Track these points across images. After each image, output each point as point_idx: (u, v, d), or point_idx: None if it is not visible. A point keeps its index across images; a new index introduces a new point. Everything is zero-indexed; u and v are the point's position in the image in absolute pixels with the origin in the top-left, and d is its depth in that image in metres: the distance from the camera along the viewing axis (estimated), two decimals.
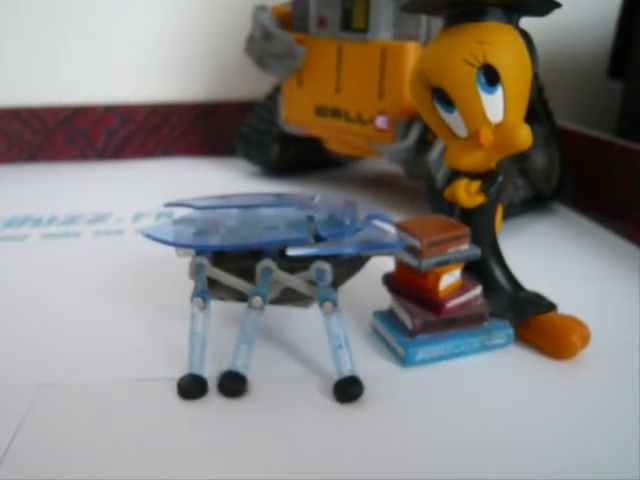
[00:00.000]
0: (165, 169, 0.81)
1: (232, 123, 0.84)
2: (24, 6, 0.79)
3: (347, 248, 0.33)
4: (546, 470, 0.28)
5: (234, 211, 0.38)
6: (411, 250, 0.35)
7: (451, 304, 0.36)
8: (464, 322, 0.37)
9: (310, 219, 0.35)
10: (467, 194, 0.37)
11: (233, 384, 0.33)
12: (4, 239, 0.55)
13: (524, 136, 0.34)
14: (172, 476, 0.28)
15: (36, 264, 0.50)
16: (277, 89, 0.72)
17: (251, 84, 0.84)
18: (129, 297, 0.44)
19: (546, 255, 0.54)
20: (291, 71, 0.65)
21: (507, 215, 0.57)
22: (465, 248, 0.36)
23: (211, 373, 0.34)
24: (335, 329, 0.33)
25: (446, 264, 0.36)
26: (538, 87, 0.62)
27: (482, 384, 0.35)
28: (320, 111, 0.64)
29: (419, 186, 0.60)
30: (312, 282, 0.34)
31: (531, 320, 0.38)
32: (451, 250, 0.36)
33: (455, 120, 0.36)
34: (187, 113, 0.86)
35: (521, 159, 0.59)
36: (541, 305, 0.39)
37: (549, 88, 0.67)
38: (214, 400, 0.33)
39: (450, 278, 0.37)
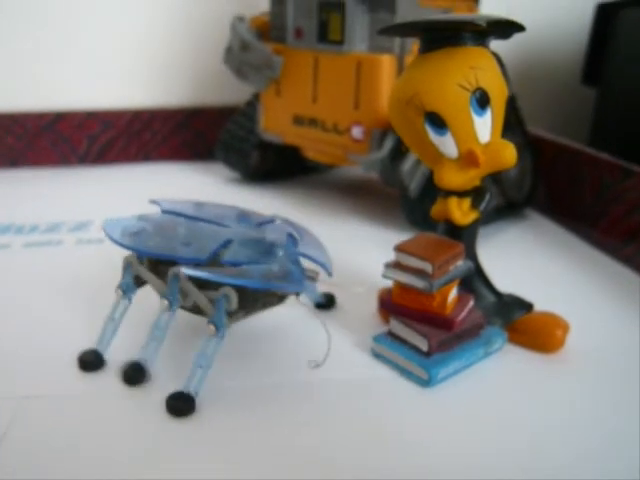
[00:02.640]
0: (147, 174, 0.82)
1: (213, 128, 0.85)
2: (5, 12, 0.79)
3: (246, 281, 0.33)
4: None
5: (185, 220, 0.40)
6: (417, 273, 0.37)
7: (459, 319, 0.38)
8: (468, 334, 0.39)
9: (228, 242, 0.36)
10: (460, 212, 0.39)
11: (134, 373, 0.36)
12: None
13: (511, 154, 0.36)
14: None
15: (18, 273, 0.51)
16: (256, 96, 0.73)
17: (232, 90, 0.85)
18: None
19: (515, 261, 0.56)
20: (269, 81, 0.66)
21: (482, 222, 0.59)
22: (461, 264, 0.38)
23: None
24: (208, 350, 0.34)
25: (450, 282, 0.38)
26: (511, 96, 0.64)
27: (495, 388, 0.37)
28: (298, 120, 0.65)
29: (395, 192, 0.62)
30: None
31: (516, 321, 0.41)
32: (452, 268, 0.38)
33: (446, 142, 0.37)
34: (169, 118, 0.87)
35: None
36: (523, 306, 0.43)
37: (523, 94, 0.69)
38: (202, 418, 0.34)
39: (452, 294, 0.38)
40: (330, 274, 0.38)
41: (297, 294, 0.37)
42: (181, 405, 0.34)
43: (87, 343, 0.40)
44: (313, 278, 0.37)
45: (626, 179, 0.57)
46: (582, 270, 0.54)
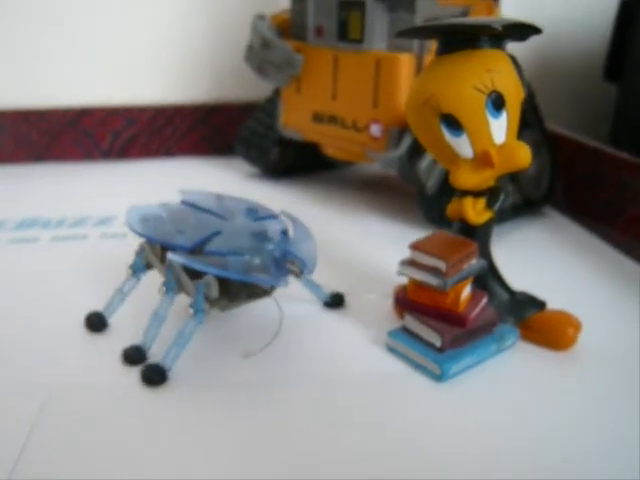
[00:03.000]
0: (168, 169, 0.83)
1: (233, 124, 0.86)
2: (31, 9, 0.81)
3: (225, 271, 0.35)
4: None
5: (195, 212, 0.43)
6: (432, 270, 0.38)
7: (471, 316, 0.39)
8: (481, 331, 0.40)
9: (216, 233, 0.38)
10: (475, 212, 0.40)
11: (133, 355, 0.39)
12: (16, 241, 0.58)
13: (525, 155, 0.37)
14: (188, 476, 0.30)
15: (47, 266, 0.53)
16: (277, 92, 0.74)
17: (252, 86, 0.86)
18: (135, 298, 0.46)
19: (532, 259, 0.56)
20: (290, 78, 0.67)
21: (498, 220, 0.59)
22: (475, 262, 0.39)
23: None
24: (186, 330, 0.37)
25: (464, 280, 0.38)
26: (529, 94, 0.64)
27: (506, 384, 0.38)
28: (317, 117, 0.66)
29: (413, 189, 0.63)
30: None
31: (528, 319, 0.42)
32: (466, 266, 0.39)
33: (462, 143, 0.38)
34: (190, 115, 0.88)
35: None
36: (535, 304, 0.43)
37: (544, 90, 0.69)
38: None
39: (465, 292, 0.39)
40: (310, 272, 0.39)
41: (272, 288, 0.40)
42: (154, 375, 0.37)
43: (114, 332, 0.42)
44: (296, 274, 0.39)
45: None
46: (597, 269, 0.54)
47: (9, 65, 0.83)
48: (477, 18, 0.47)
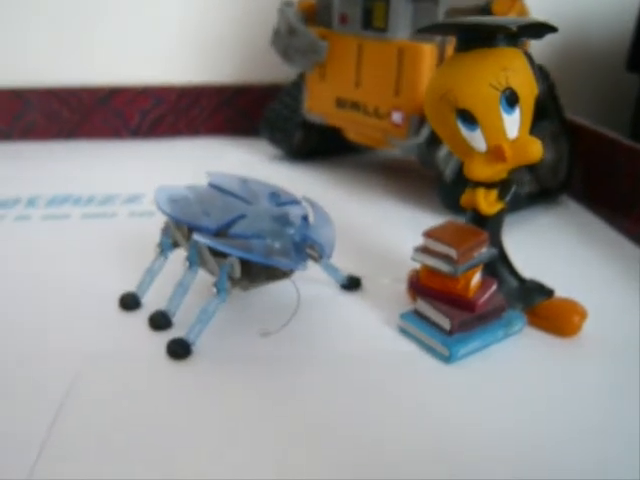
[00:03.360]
0: (194, 149, 0.86)
1: (258, 106, 0.88)
2: None
3: (247, 253, 0.37)
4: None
5: (221, 195, 0.45)
6: (443, 257, 0.40)
7: (480, 302, 0.41)
8: (489, 316, 0.41)
9: (240, 217, 0.41)
10: (487, 202, 0.41)
11: (159, 320, 0.42)
12: (48, 218, 0.61)
13: (537, 150, 0.39)
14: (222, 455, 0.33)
15: (78, 242, 0.56)
16: (301, 76, 0.75)
17: (277, 68, 0.87)
18: (166, 277, 0.47)
19: (546, 247, 0.58)
20: (314, 64, 0.69)
21: (513, 209, 0.61)
22: (485, 250, 0.41)
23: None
24: (210, 308, 0.40)
25: (474, 267, 0.40)
26: (549, 85, 0.65)
27: (512, 367, 0.40)
28: (340, 103, 0.68)
29: (432, 174, 0.64)
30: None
31: (536, 306, 0.44)
32: (476, 254, 0.40)
33: (476, 137, 0.39)
34: (215, 95, 0.90)
35: None
36: (544, 292, 0.45)
37: (566, 80, 0.70)
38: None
39: (475, 279, 0.41)
40: (328, 257, 0.41)
41: (291, 271, 0.42)
42: (178, 349, 0.39)
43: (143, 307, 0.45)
44: (315, 258, 0.42)
45: None
46: (609, 259, 0.56)
47: (41, 44, 0.85)
48: (494, 18, 0.48)
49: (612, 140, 0.66)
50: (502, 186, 0.41)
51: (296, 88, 0.76)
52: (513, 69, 0.38)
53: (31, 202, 0.65)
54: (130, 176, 0.73)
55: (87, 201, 0.65)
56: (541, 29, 0.39)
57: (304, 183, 0.72)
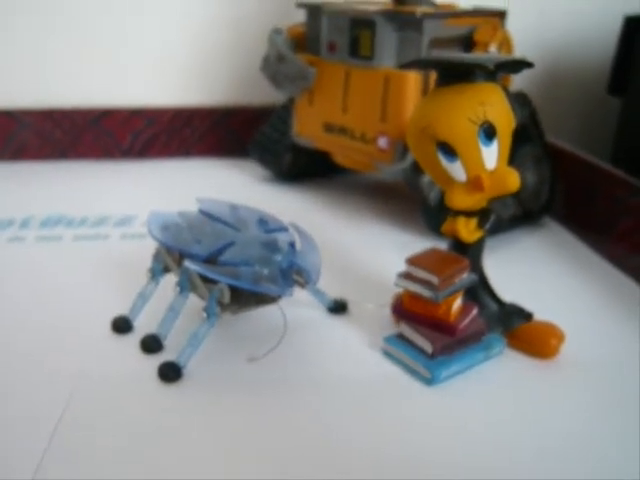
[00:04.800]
0: (186, 169, 0.87)
1: (249, 127, 0.90)
2: (58, 11, 0.85)
3: (236, 281, 0.39)
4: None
5: (211, 222, 0.47)
6: (425, 284, 0.41)
7: (461, 326, 0.42)
8: (470, 339, 0.43)
9: (230, 244, 0.42)
10: (467, 230, 0.43)
11: (151, 344, 0.43)
12: (41, 239, 0.62)
13: (514, 180, 0.41)
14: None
15: (71, 264, 0.57)
16: (291, 100, 0.77)
17: (267, 91, 0.89)
18: (157, 301, 0.48)
19: (528, 269, 0.59)
20: (303, 90, 0.71)
21: (496, 231, 0.63)
22: (465, 276, 0.43)
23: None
24: (200, 332, 0.41)
25: (455, 293, 0.42)
26: (531, 111, 0.67)
27: (492, 389, 0.41)
28: (328, 128, 0.70)
29: (418, 197, 0.66)
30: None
31: (515, 329, 0.46)
32: (457, 280, 0.42)
33: (456, 168, 0.41)
34: (207, 116, 0.92)
35: None
36: (523, 315, 0.47)
37: (550, 102, 0.71)
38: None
39: (456, 304, 0.43)
40: (314, 283, 0.44)
41: (278, 297, 0.43)
42: (169, 372, 0.41)
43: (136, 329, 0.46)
44: (302, 284, 0.44)
45: (638, 195, 0.60)
46: (589, 280, 0.57)
47: (34, 65, 0.87)
48: (472, 56, 0.50)
49: (590, 164, 0.68)
50: (482, 215, 0.43)
51: (286, 112, 0.78)
52: (490, 103, 0.39)
53: (25, 223, 0.66)
54: (122, 197, 0.75)
55: (80, 222, 0.67)
56: (518, 65, 0.40)
57: (292, 205, 0.73)
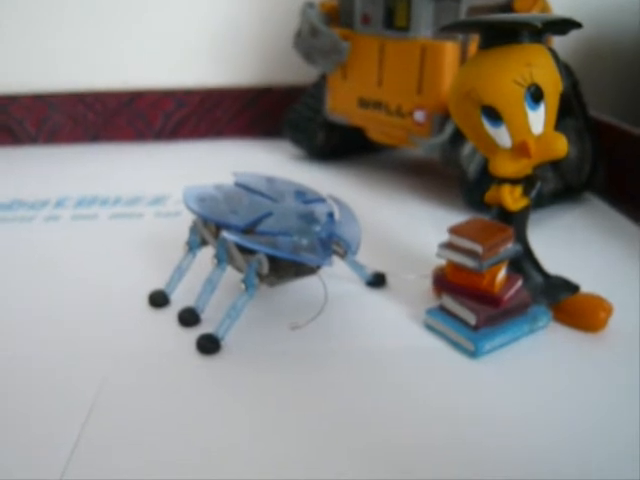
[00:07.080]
0: (217, 150, 0.87)
1: (280, 107, 0.89)
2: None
3: (274, 250, 0.38)
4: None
5: (247, 193, 0.46)
6: (469, 253, 0.40)
7: (506, 297, 0.41)
8: (515, 311, 0.42)
9: (267, 215, 0.41)
10: (512, 198, 0.42)
11: (188, 317, 0.43)
12: (77, 218, 0.62)
13: (562, 145, 0.39)
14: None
15: (108, 241, 0.57)
16: (323, 77, 0.76)
17: (299, 70, 0.88)
18: (193, 274, 0.48)
19: (570, 243, 0.57)
20: (336, 65, 0.69)
21: (537, 206, 0.61)
22: (510, 246, 0.41)
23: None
24: (238, 304, 0.40)
25: (499, 263, 0.41)
26: (573, 82, 0.65)
27: (537, 362, 0.40)
28: (363, 103, 0.68)
29: (454, 173, 0.64)
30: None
31: (561, 301, 0.44)
32: (501, 250, 0.41)
33: (501, 133, 0.40)
34: (238, 97, 0.91)
35: None
36: (569, 288, 0.45)
37: (591, 76, 0.69)
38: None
39: (500, 274, 0.41)
40: (353, 254, 0.42)
41: (318, 267, 0.42)
42: (208, 344, 0.40)
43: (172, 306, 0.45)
44: (341, 255, 0.43)
45: None
46: (633, 255, 0.55)
47: (68, 49, 0.87)
48: (518, 15, 0.48)
49: (636, 137, 0.66)
50: (527, 182, 0.41)
51: (318, 89, 0.77)
52: (537, 65, 0.38)
53: (60, 203, 0.66)
54: (155, 177, 0.75)
55: (114, 202, 0.66)
56: (566, 25, 0.39)
57: (327, 183, 0.72)
